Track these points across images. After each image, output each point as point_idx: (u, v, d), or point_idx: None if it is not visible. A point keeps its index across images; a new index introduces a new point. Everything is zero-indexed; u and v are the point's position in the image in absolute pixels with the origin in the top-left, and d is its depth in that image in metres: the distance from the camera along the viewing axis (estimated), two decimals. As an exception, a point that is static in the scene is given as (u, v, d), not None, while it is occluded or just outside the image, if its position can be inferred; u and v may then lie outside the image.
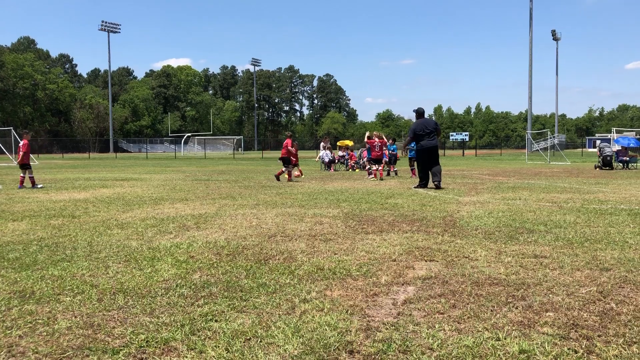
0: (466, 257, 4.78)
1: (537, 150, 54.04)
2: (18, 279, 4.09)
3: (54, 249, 5.31)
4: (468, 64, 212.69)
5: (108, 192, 11.84)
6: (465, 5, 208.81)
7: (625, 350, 2.68)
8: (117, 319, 3.18)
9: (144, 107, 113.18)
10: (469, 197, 10.23)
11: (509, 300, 3.49)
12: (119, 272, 4.33)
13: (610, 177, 16.95)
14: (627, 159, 23.00)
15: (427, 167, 12.45)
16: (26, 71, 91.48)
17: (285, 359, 2.61)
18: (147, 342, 2.83)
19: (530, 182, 14.44)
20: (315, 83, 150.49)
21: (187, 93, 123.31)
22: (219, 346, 2.76)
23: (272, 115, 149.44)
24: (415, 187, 12.49)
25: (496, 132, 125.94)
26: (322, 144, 24.51)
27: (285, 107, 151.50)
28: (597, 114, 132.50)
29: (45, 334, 2.96)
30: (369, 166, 17.97)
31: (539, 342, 2.77)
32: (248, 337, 2.87)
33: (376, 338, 2.86)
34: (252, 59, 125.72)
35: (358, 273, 4.24)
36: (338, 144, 27.11)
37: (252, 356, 2.64)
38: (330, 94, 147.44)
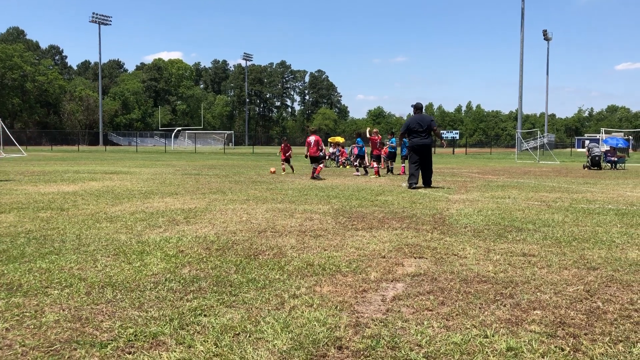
0: (455, 255, 4.80)
1: (527, 149, 54.46)
2: (5, 272, 4.06)
3: (42, 241, 5.26)
4: (460, 63, 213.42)
5: (97, 185, 11.77)
6: (458, 5, 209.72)
7: (611, 348, 2.71)
8: (106, 313, 3.16)
9: (135, 100, 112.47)
10: (458, 195, 10.27)
11: (497, 298, 3.52)
12: (107, 265, 4.31)
13: (598, 177, 17.10)
14: (615, 159, 23.23)
15: (417, 166, 12.03)
16: (15, 62, 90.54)
17: (274, 354, 2.61)
18: (135, 336, 2.82)
19: (519, 181, 14.53)
20: (307, 79, 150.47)
21: (178, 87, 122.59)
22: (207, 341, 2.75)
23: (263, 111, 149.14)
24: (404, 185, 12.33)
25: (486, 131, 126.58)
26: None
27: (276, 103, 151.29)
28: (586, 114, 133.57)
29: (32, 327, 2.94)
30: (356, 163, 17.98)
31: (527, 340, 2.79)
32: (237, 332, 2.87)
33: (365, 334, 2.87)
34: (244, 53, 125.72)
35: (347, 269, 4.24)
36: (329, 140, 27.11)
37: (241, 351, 2.64)
38: (321, 90, 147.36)
